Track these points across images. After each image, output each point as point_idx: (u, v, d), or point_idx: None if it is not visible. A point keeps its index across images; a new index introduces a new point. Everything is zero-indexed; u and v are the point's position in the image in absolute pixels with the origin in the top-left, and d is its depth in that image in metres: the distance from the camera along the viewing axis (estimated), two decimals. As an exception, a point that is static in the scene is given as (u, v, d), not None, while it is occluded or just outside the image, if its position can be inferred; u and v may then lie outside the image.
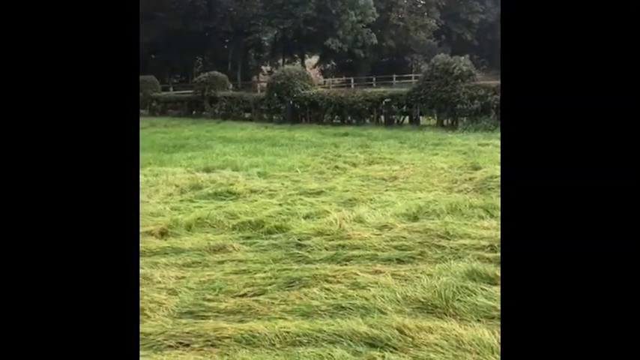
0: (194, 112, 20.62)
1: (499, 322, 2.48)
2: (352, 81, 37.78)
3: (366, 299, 3.03)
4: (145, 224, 4.82)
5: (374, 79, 38.85)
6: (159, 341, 2.64)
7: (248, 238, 4.42)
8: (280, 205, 5.53)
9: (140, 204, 5.65)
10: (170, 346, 2.60)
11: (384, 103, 15.06)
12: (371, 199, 5.65)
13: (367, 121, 15.55)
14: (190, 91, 22.50)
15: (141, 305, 3.04)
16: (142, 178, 7.12)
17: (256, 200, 5.84)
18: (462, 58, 14.68)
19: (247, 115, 18.77)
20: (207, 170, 7.85)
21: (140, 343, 2.61)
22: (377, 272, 3.49)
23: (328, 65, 46.38)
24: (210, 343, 2.60)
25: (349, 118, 15.93)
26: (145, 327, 2.78)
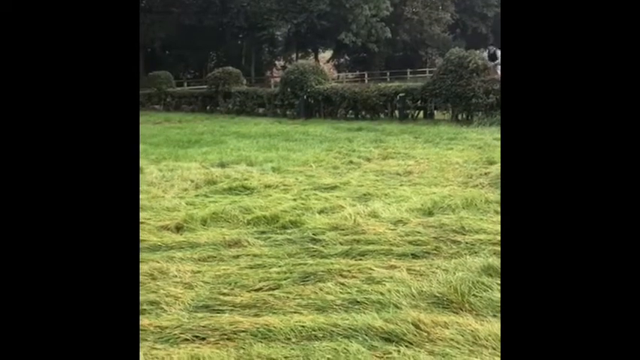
0: (208, 108, 20.68)
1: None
2: (366, 75, 37.62)
3: (381, 294, 3.03)
4: (161, 219, 4.86)
5: (388, 73, 38.67)
6: (175, 335, 2.66)
7: (263, 232, 4.43)
8: (295, 199, 5.54)
9: (156, 199, 5.70)
10: (186, 340, 2.62)
11: (398, 97, 14.97)
12: (385, 194, 5.64)
13: (381, 115, 15.48)
14: (204, 87, 22.56)
15: (157, 299, 3.07)
16: (157, 173, 7.18)
17: (271, 195, 5.86)
18: (477, 51, 14.53)
19: (261, 110, 18.78)
20: (222, 165, 7.88)
21: (157, 337, 2.64)
22: (392, 267, 3.49)
23: (342, 60, 46.22)
24: (226, 336, 2.61)
25: (363, 112, 15.87)
26: (161, 320, 2.81)
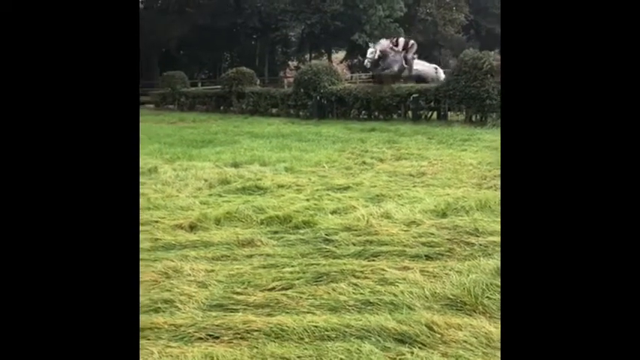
0: (222, 108, 20.76)
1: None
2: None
3: (395, 295, 3.03)
4: (175, 218, 4.90)
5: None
6: (189, 333, 2.68)
7: (276, 232, 4.44)
8: (307, 200, 5.55)
9: (170, 198, 5.75)
10: (200, 338, 2.64)
11: (411, 98, 14.93)
12: (399, 195, 5.63)
13: (394, 116, 15.44)
14: (218, 87, 22.65)
15: (171, 297, 3.09)
16: (171, 173, 7.23)
17: (284, 195, 5.87)
18: (492, 52, 14.45)
19: (274, 110, 18.81)
20: (235, 165, 7.91)
21: (171, 335, 2.66)
22: (405, 268, 3.48)
23: (355, 60, 46.16)
24: (239, 336, 2.63)
25: (376, 113, 15.85)
26: (175, 319, 2.83)
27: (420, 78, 16.61)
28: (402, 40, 16.88)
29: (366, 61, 16.82)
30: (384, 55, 16.19)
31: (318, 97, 16.88)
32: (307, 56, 40.91)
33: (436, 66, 18.33)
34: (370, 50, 16.45)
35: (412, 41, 16.88)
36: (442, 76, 17.03)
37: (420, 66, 17.28)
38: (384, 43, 16.61)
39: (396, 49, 16.32)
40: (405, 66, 16.20)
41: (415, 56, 17.00)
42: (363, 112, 16.22)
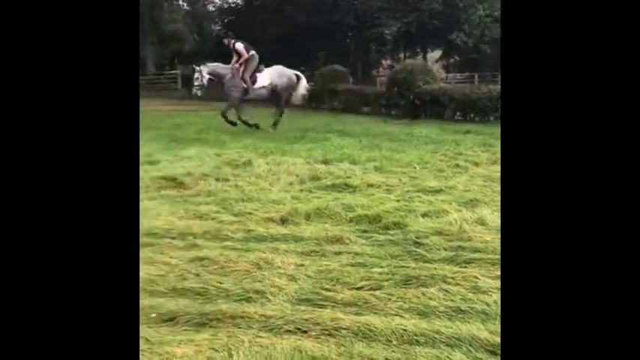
0: (314, 105, 21.01)
1: None
2: (476, 77, 36.36)
3: (487, 304, 2.92)
4: (268, 211, 5.02)
5: (499, 75, 37.12)
6: (278, 325, 2.73)
7: (365, 231, 4.43)
8: (397, 201, 5.48)
9: (263, 191, 5.91)
10: (289, 331, 2.68)
11: (510, 100, 14.31)
12: (494, 201, 5.41)
13: (491, 118, 14.89)
14: (311, 84, 22.94)
15: (262, 288, 3.17)
16: (264, 167, 7.41)
17: (373, 194, 5.84)
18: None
19: (366, 109, 18.77)
20: (325, 162, 7.97)
21: (261, 325, 2.73)
22: (499, 277, 3.33)
23: (451, 60, 45.05)
24: (327, 332, 2.64)
25: (472, 115, 15.36)
26: (265, 310, 2.90)
27: (275, 94, 12.90)
28: (240, 47, 12.15)
29: (194, 89, 12.77)
30: (217, 78, 12.25)
31: (411, 97, 16.64)
32: (402, 55, 40.51)
33: (298, 73, 13.46)
34: (196, 76, 12.28)
35: (252, 52, 12.24)
36: (304, 86, 13.36)
37: (276, 77, 12.78)
38: (217, 64, 12.61)
39: (230, 68, 12.28)
40: (245, 86, 12.20)
41: (262, 67, 12.59)
42: (458, 113, 15.78)
